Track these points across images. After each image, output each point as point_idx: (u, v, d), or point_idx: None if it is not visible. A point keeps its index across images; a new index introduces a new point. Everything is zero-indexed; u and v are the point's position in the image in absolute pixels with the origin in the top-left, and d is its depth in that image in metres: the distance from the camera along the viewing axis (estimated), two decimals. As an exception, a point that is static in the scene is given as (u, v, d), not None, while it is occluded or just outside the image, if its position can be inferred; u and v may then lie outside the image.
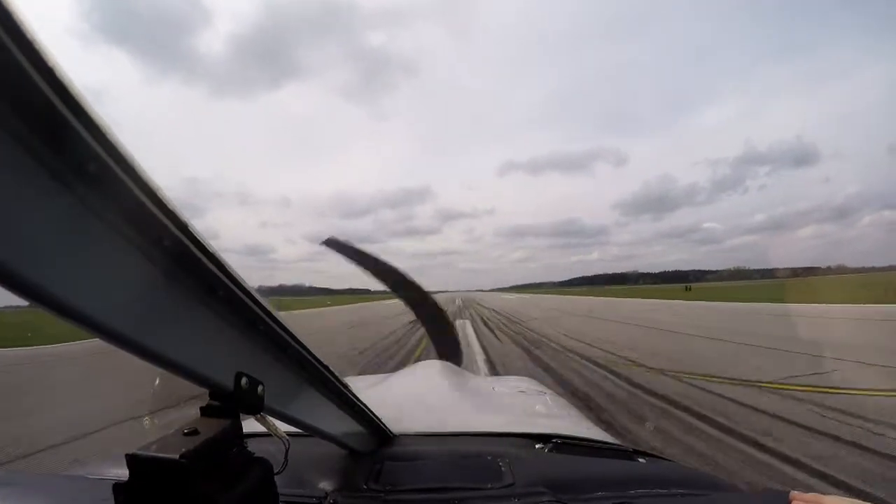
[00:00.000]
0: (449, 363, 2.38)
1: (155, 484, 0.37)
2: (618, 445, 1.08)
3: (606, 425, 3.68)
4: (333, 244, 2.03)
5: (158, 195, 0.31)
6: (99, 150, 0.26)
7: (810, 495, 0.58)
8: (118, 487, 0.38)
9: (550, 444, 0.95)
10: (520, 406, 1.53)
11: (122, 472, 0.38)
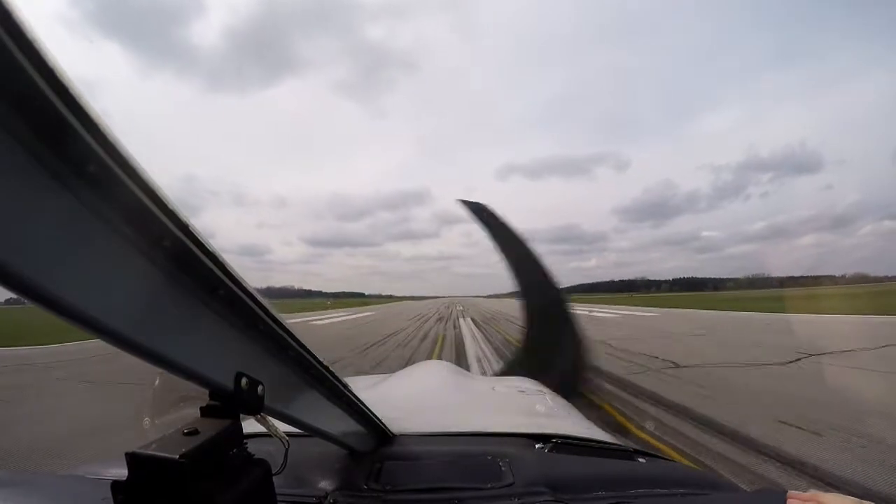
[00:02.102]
0: (449, 363, 2.36)
1: (154, 483, 0.37)
2: (618, 445, 1.08)
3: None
4: (477, 210, 1.58)
5: (159, 195, 0.31)
6: (99, 150, 0.27)
7: (808, 494, 0.58)
8: (117, 486, 0.38)
9: (550, 444, 0.95)
10: (520, 406, 1.53)
11: (122, 472, 0.38)
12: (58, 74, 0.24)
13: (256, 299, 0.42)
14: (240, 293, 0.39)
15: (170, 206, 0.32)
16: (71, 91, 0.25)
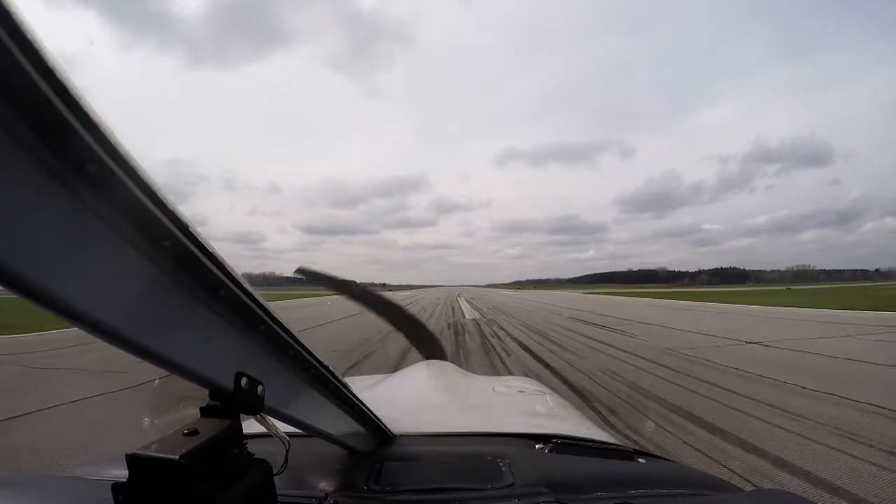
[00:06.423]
0: (449, 363, 2.38)
1: (154, 484, 0.37)
2: (618, 445, 1.08)
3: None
4: (305, 273, 2.07)
5: (159, 195, 0.31)
6: (98, 150, 0.26)
7: None
8: (117, 487, 0.38)
9: (550, 445, 0.95)
10: (520, 406, 1.53)
11: (122, 473, 0.38)
12: (58, 74, 0.24)
13: (256, 299, 0.42)
14: (240, 293, 0.39)
15: (170, 207, 0.32)
16: (71, 91, 0.25)
